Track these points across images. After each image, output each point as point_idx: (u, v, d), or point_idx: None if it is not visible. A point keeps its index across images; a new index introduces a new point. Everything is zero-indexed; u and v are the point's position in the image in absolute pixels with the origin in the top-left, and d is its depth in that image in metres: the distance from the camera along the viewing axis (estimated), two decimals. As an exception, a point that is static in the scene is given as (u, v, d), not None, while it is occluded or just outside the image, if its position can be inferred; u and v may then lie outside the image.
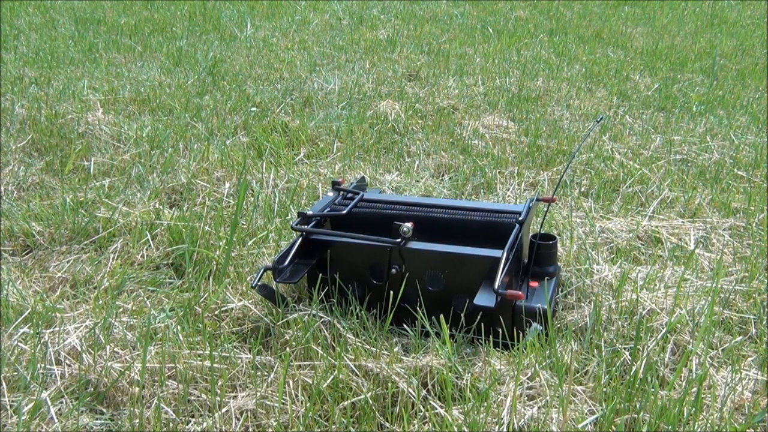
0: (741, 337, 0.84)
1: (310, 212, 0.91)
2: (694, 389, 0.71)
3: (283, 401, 0.71)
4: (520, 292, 0.77)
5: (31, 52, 2.44)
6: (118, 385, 0.73)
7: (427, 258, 0.83)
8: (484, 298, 0.76)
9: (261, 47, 2.67)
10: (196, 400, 0.72)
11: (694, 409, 0.69)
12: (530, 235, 0.94)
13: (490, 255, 0.80)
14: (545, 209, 1.01)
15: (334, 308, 0.83)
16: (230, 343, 0.81)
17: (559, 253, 0.98)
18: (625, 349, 0.79)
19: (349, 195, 0.99)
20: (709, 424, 0.69)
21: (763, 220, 1.18)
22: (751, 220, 1.17)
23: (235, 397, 0.72)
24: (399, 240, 0.82)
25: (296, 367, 0.75)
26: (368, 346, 0.78)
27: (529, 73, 2.30)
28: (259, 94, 1.95)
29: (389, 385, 0.72)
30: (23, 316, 0.85)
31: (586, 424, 0.68)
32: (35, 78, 2.07)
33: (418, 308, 0.82)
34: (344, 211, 0.93)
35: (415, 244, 0.83)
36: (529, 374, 0.74)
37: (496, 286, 0.77)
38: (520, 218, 0.88)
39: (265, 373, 0.75)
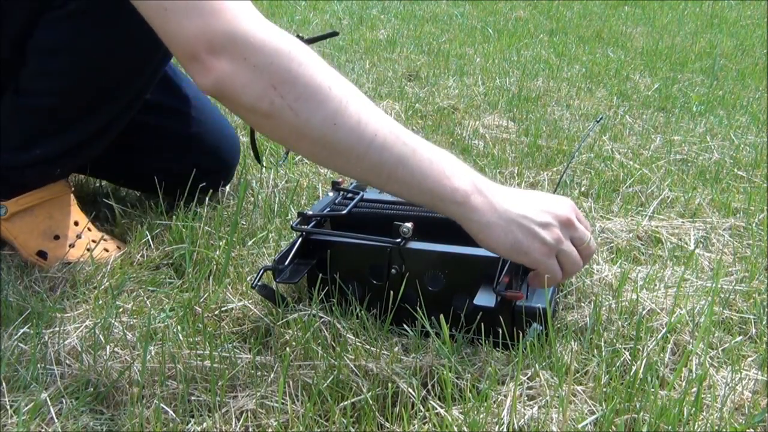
0: (741, 337, 0.84)
1: (310, 212, 0.91)
2: (694, 389, 0.71)
3: (283, 401, 0.71)
4: (519, 292, 0.77)
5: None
6: (118, 385, 0.73)
7: (426, 258, 0.83)
8: (484, 299, 0.76)
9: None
10: (196, 400, 0.72)
11: (694, 409, 0.69)
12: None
13: (490, 255, 0.80)
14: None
15: (334, 308, 0.83)
16: (230, 343, 0.81)
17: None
18: (625, 349, 0.79)
19: (349, 195, 0.99)
20: (709, 424, 0.69)
21: (763, 220, 1.18)
22: (751, 220, 1.17)
23: (235, 397, 0.72)
24: (399, 240, 0.82)
25: (296, 367, 0.75)
26: (368, 346, 0.78)
27: (529, 73, 2.30)
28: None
29: (389, 385, 0.72)
30: (23, 316, 0.86)
31: (586, 424, 0.68)
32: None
33: (418, 308, 0.82)
34: (344, 211, 0.92)
35: (414, 244, 0.83)
36: (529, 374, 0.74)
37: (495, 287, 0.77)
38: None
39: (265, 373, 0.75)
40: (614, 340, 0.81)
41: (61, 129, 0.97)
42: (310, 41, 1.27)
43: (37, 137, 0.97)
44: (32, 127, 0.97)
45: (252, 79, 0.70)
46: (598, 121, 1.06)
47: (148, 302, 0.90)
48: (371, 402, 0.70)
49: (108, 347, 0.79)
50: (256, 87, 0.70)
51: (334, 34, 1.19)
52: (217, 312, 0.88)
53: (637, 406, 0.69)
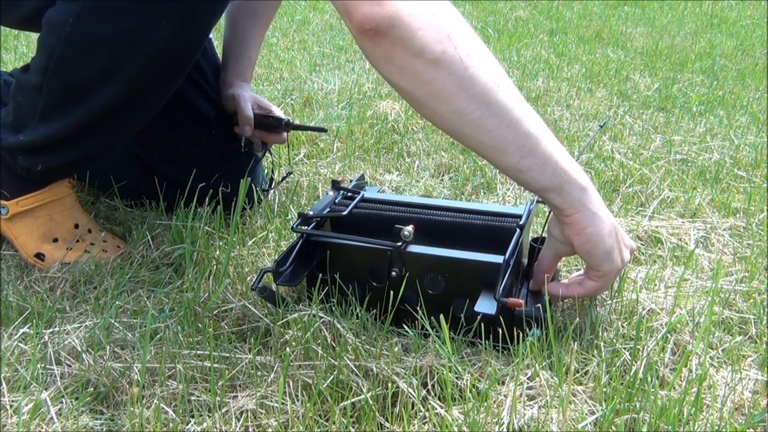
0: (741, 337, 0.84)
1: (310, 213, 0.91)
2: (694, 389, 0.71)
3: (283, 401, 0.71)
4: (520, 300, 0.77)
5: (31, 52, 2.43)
6: (118, 385, 0.74)
7: (427, 262, 0.82)
8: (485, 305, 0.76)
9: (261, 47, 2.66)
10: (196, 400, 0.72)
11: (694, 409, 0.69)
12: (531, 237, 0.94)
13: (490, 261, 0.80)
14: (547, 211, 1.01)
15: (334, 308, 0.83)
16: (230, 343, 0.81)
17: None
18: (625, 349, 0.79)
19: (350, 195, 0.99)
20: (709, 424, 0.69)
21: (763, 220, 1.18)
22: (751, 220, 1.17)
23: (235, 397, 0.73)
24: (399, 243, 0.82)
25: (296, 367, 0.75)
26: (368, 346, 0.78)
27: (529, 73, 2.30)
28: (259, 94, 1.95)
29: (389, 385, 0.72)
30: (23, 316, 0.86)
31: (586, 424, 0.68)
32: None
33: (418, 308, 0.82)
34: (345, 212, 0.92)
35: (415, 248, 0.83)
36: (529, 374, 0.74)
37: (497, 295, 0.76)
38: (520, 222, 0.88)
39: (265, 373, 0.75)
40: (614, 340, 0.81)
41: (42, 115, 0.92)
42: (298, 128, 1.30)
43: (26, 118, 0.93)
44: (20, 107, 0.94)
45: (430, 23, 0.71)
46: (601, 126, 1.05)
47: (148, 302, 0.90)
48: (371, 402, 0.70)
49: (108, 347, 0.79)
50: (432, 31, 0.71)
51: (323, 130, 1.24)
52: (217, 312, 0.88)
53: (637, 406, 0.69)
